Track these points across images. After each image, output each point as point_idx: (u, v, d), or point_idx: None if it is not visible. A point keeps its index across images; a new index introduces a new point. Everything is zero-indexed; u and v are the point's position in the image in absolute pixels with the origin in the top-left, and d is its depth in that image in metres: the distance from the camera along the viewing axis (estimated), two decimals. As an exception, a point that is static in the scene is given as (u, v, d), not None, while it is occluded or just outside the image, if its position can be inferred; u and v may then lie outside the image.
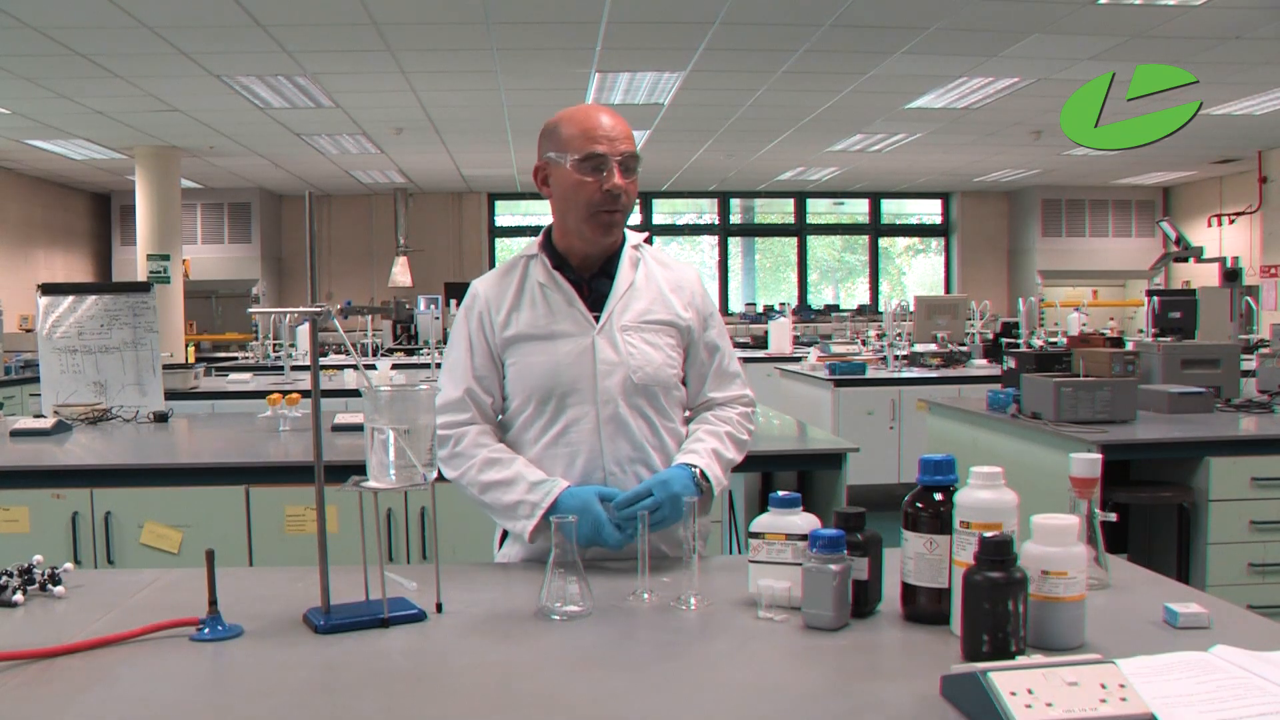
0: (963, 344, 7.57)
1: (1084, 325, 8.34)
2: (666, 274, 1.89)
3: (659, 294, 1.86)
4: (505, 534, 1.93)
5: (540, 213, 14.20)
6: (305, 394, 4.09)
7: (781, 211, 14.40)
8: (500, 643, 1.35)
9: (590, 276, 1.84)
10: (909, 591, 1.41)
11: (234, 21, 5.69)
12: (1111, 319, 10.82)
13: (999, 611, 1.21)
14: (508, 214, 14.14)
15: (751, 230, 14.66)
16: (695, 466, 1.75)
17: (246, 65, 6.71)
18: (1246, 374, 4.80)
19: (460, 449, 1.80)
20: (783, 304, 12.47)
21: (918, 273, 14.82)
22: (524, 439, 1.83)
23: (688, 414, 1.93)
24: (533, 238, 1.94)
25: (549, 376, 1.78)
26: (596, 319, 1.80)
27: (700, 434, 1.85)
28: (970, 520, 1.31)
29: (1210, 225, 11.99)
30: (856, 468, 3.19)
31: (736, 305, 13.72)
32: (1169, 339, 6.55)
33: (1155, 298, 8.12)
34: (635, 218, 13.91)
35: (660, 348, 1.82)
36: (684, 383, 1.90)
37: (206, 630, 1.36)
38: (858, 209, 14.22)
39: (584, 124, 1.76)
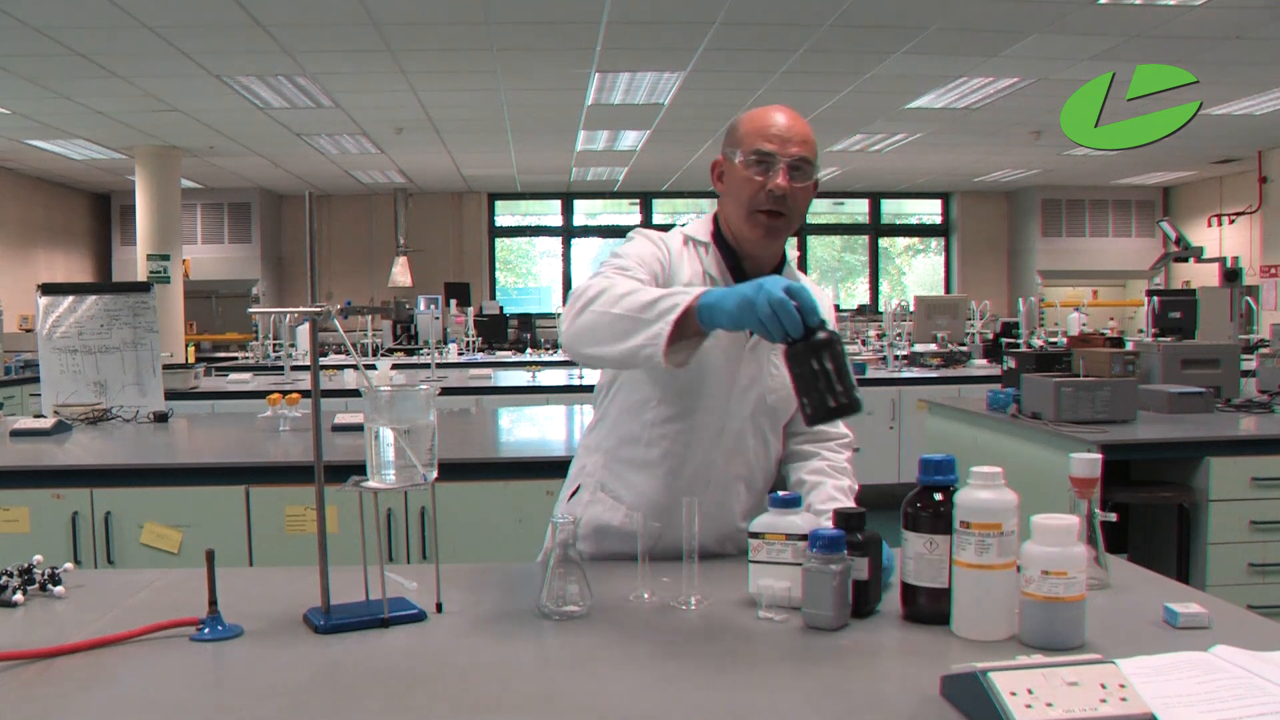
0: (963, 344, 7.57)
1: (1084, 325, 8.35)
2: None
3: None
4: (579, 489, 1.86)
5: (540, 213, 14.21)
6: (305, 394, 4.09)
7: (781, 211, 14.39)
8: (500, 643, 1.35)
9: None
10: (909, 591, 1.41)
11: (234, 21, 5.69)
12: (1111, 319, 10.83)
13: (809, 372, 1.33)
14: (508, 214, 14.14)
15: (751, 230, 14.64)
16: None
17: (246, 65, 6.71)
18: (1246, 374, 4.80)
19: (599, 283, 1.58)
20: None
21: (918, 273, 14.82)
22: (639, 424, 1.78)
23: (793, 441, 1.90)
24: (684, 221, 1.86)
25: (693, 375, 1.72)
26: (751, 333, 1.76)
27: (835, 493, 1.81)
28: (970, 520, 1.31)
29: (1210, 225, 11.99)
30: (857, 468, 3.19)
31: (736, 305, 13.71)
32: (1169, 339, 6.56)
33: (1155, 298, 8.13)
34: (635, 218, 13.92)
35: None
36: None
37: (206, 630, 1.36)
38: (858, 209, 14.22)
39: (759, 122, 1.72)
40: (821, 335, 1.32)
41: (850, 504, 1.80)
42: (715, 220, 1.83)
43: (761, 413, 1.79)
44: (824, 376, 1.32)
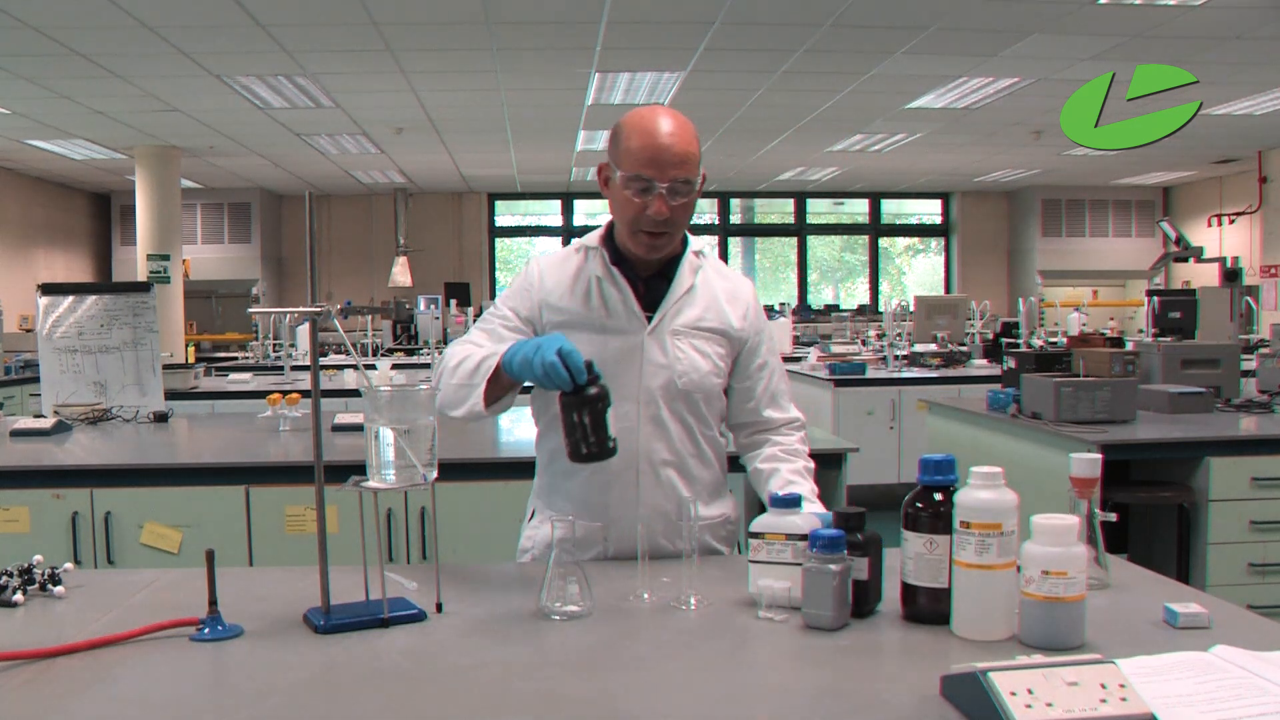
0: (963, 344, 7.57)
1: (1084, 325, 8.35)
2: (724, 284, 1.89)
3: (714, 302, 1.86)
4: (533, 513, 1.93)
5: (540, 213, 14.21)
6: (305, 394, 4.09)
7: (781, 211, 14.40)
8: (500, 643, 1.35)
9: (648, 277, 1.83)
10: (909, 591, 1.41)
11: (234, 21, 5.69)
12: (1111, 319, 10.84)
13: (570, 421, 1.54)
14: (508, 214, 14.14)
15: (751, 230, 14.66)
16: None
17: (246, 65, 6.71)
18: (1246, 374, 4.80)
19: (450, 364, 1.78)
20: (783, 304, 12.47)
21: (918, 273, 14.82)
22: (558, 430, 1.82)
23: (743, 434, 1.94)
24: (569, 232, 1.97)
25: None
26: (649, 319, 1.80)
27: (791, 476, 1.84)
28: (970, 520, 1.31)
29: (1210, 225, 11.99)
30: (856, 468, 3.19)
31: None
32: (1169, 339, 6.56)
33: (1155, 298, 8.12)
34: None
35: (709, 356, 1.83)
36: (726, 393, 1.90)
37: (206, 630, 1.36)
38: (858, 209, 14.22)
39: (641, 140, 1.72)
40: (591, 391, 1.54)
41: (809, 484, 1.83)
42: (610, 225, 1.87)
43: (675, 396, 1.81)
44: (581, 428, 1.54)
